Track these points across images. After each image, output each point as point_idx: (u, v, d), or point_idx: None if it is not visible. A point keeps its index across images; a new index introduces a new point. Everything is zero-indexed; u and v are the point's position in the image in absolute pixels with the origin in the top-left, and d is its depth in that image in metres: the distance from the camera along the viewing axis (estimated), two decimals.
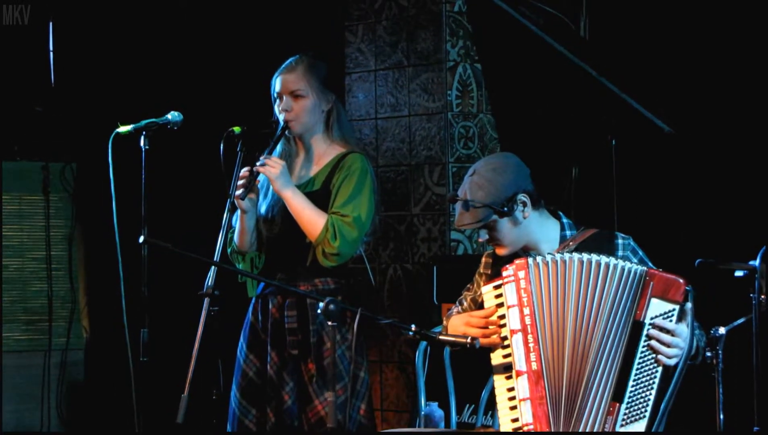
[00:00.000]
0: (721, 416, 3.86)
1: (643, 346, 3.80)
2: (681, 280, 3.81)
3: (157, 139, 4.52)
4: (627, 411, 3.79)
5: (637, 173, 5.57)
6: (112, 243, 4.50)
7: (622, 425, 3.78)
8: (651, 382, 3.79)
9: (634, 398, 3.79)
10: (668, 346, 3.78)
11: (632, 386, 3.79)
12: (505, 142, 6.49)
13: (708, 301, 4.35)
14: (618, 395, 3.80)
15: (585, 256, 3.87)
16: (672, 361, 3.79)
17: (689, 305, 3.79)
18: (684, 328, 3.79)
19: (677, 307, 3.80)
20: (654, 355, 3.79)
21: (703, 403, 4.00)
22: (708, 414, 3.89)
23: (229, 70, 6.76)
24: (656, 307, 3.81)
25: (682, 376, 3.96)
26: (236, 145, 4.47)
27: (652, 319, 3.80)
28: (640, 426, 3.78)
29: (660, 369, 3.79)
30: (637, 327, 3.81)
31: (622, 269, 3.84)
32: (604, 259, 3.86)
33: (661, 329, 3.79)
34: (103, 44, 6.87)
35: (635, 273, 3.83)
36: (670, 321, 3.79)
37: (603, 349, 3.82)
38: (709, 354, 3.83)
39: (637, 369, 3.80)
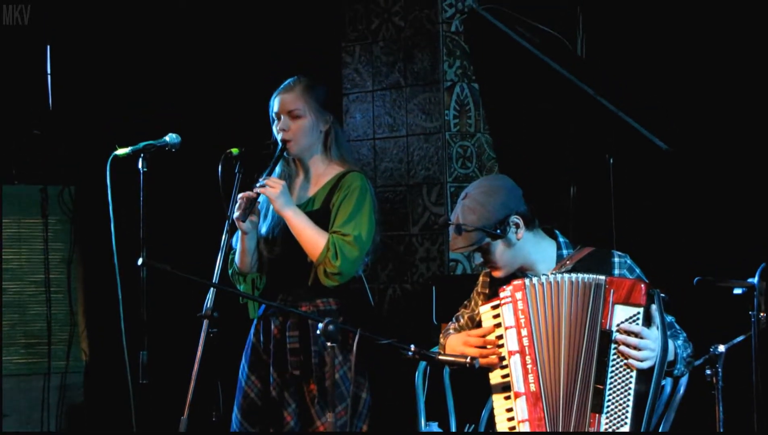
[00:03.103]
0: None
1: (613, 354, 3.81)
2: (642, 284, 3.83)
3: (155, 161, 4.52)
4: (608, 420, 3.79)
5: (635, 192, 5.58)
6: (110, 265, 4.49)
7: None
8: (627, 388, 3.79)
9: (613, 407, 3.79)
10: (637, 348, 3.78)
11: (609, 395, 3.80)
12: (503, 162, 6.49)
13: (707, 318, 4.36)
14: (597, 406, 3.80)
15: (574, 276, 3.88)
16: (644, 364, 3.79)
17: (654, 307, 3.80)
18: (654, 331, 3.79)
19: (641, 310, 3.81)
20: (624, 361, 3.80)
21: (703, 421, 3.99)
22: (708, 432, 3.88)
23: (227, 91, 6.77)
24: (620, 313, 3.82)
25: (673, 385, 3.97)
26: (234, 167, 4.48)
27: (618, 325, 3.82)
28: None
29: (634, 373, 3.80)
30: (605, 336, 3.82)
31: (589, 282, 3.85)
32: (587, 277, 3.86)
33: (628, 333, 3.80)
34: (100, 67, 6.88)
35: (597, 283, 3.85)
36: (636, 324, 3.80)
37: (585, 366, 3.83)
38: (708, 372, 3.83)
39: (611, 377, 3.81)
